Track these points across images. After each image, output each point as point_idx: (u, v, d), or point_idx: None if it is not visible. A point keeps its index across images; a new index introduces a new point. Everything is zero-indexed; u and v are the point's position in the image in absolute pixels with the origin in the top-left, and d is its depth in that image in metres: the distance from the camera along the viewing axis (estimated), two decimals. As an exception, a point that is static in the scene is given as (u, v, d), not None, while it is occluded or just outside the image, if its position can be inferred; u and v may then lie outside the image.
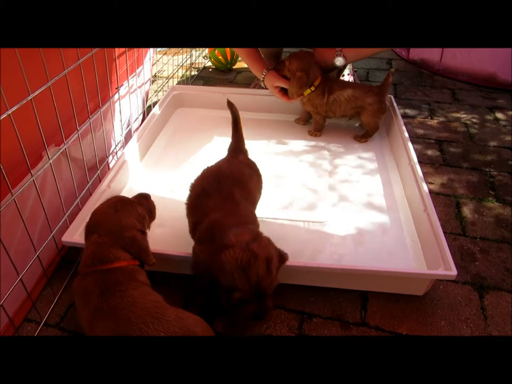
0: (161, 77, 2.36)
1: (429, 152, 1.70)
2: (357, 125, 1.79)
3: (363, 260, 1.16)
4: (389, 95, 1.76)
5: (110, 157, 1.49)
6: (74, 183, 1.16)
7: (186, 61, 2.41)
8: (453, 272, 0.98)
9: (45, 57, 0.90)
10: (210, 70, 2.51)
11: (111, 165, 1.47)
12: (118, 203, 0.98)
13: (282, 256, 0.92)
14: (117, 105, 1.48)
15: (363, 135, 1.70)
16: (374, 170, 1.54)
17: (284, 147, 1.68)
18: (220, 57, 2.40)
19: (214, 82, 2.34)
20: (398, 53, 2.66)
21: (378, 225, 1.29)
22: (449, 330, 1.02)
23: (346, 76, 2.02)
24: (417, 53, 2.49)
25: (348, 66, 1.98)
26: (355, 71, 2.20)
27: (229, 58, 2.41)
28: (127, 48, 1.48)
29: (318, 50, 1.64)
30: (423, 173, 1.33)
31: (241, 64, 2.51)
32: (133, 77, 1.64)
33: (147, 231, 1.02)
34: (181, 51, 2.46)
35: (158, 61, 2.29)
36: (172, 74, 2.26)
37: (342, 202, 1.39)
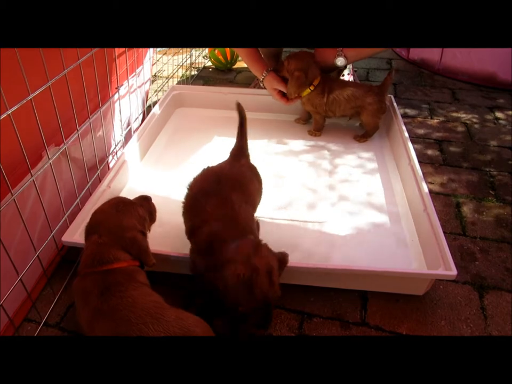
0: (161, 77, 2.36)
1: (429, 152, 1.70)
2: (357, 124, 1.79)
3: (363, 259, 1.16)
4: (389, 95, 1.76)
5: (110, 157, 1.49)
6: (74, 183, 1.16)
7: (186, 61, 2.41)
8: (453, 272, 0.98)
9: (45, 57, 0.90)
10: (210, 69, 2.51)
11: (111, 165, 1.47)
12: (119, 204, 0.97)
13: (282, 261, 0.91)
14: (116, 105, 1.48)
15: (363, 135, 1.70)
16: (374, 170, 1.54)
17: (284, 147, 1.68)
18: (219, 57, 2.40)
19: (214, 82, 2.34)
20: (398, 52, 2.66)
21: (378, 225, 1.29)
22: (449, 330, 1.02)
23: (346, 76, 2.02)
24: (417, 53, 2.49)
25: (348, 66, 1.98)
26: (355, 70, 2.20)
27: (229, 58, 2.41)
28: (127, 48, 1.48)
29: (319, 50, 1.64)
30: (423, 173, 1.33)
31: (241, 64, 2.51)
32: (132, 76, 1.63)
33: (147, 233, 1.02)
34: (180, 51, 2.46)
35: (158, 60, 2.29)
36: (171, 74, 2.26)
37: (342, 202, 1.39)
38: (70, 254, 1.20)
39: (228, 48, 2.38)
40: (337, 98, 1.61)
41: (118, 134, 1.58)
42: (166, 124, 1.83)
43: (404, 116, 1.94)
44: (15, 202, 0.88)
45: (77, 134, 1.14)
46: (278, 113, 1.87)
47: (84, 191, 1.23)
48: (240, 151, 1.20)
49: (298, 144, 1.70)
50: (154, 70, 2.26)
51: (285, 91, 1.63)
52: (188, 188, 1.11)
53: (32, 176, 0.94)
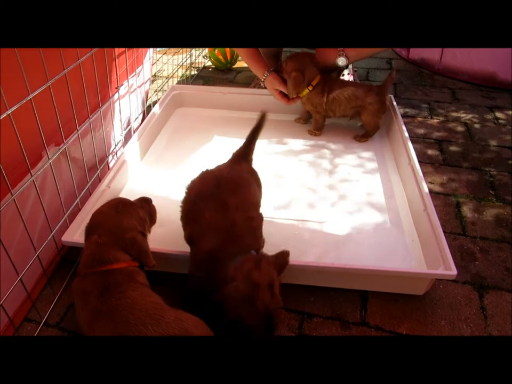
0: (161, 77, 2.36)
1: (429, 151, 1.70)
2: (359, 125, 1.79)
3: (363, 259, 1.16)
4: (389, 95, 1.76)
5: (110, 157, 1.49)
6: (74, 183, 1.16)
7: (186, 61, 2.41)
8: (453, 271, 0.98)
9: (45, 57, 0.90)
10: (210, 69, 2.51)
11: (111, 165, 1.47)
12: (119, 204, 0.98)
13: (282, 263, 0.91)
14: (116, 105, 1.48)
15: (363, 135, 1.71)
16: (374, 169, 1.54)
17: (284, 147, 1.68)
18: (219, 56, 2.40)
19: (214, 82, 2.34)
20: (398, 52, 2.66)
21: (378, 225, 1.29)
22: (449, 330, 1.03)
23: (346, 76, 2.02)
24: (417, 53, 2.49)
25: (348, 66, 1.98)
26: (355, 70, 2.20)
27: (228, 58, 2.41)
28: (126, 48, 1.48)
29: (320, 50, 1.65)
30: (423, 173, 1.33)
31: (241, 64, 2.51)
32: (132, 76, 1.63)
33: (148, 234, 1.02)
34: (180, 51, 2.46)
35: (157, 60, 2.29)
36: (171, 74, 2.26)
37: (342, 201, 1.39)
38: (70, 254, 1.20)
39: (228, 48, 2.38)
40: (337, 98, 1.61)
41: (118, 134, 1.58)
42: (166, 124, 1.83)
43: (404, 115, 1.94)
44: (15, 202, 0.88)
45: (76, 134, 1.14)
46: (278, 113, 1.86)
47: (84, 191, 1.23)
48: (243, 154, 1.19)
49: (298, 144, 1.70)
50: (154, 70, 2.26)
51: (285, 91, 1.64)
52: (186, 192, 1.09)
53: (32, 176, 0.94)
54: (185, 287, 0.99)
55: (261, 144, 1.67)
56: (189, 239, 1.02)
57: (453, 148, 1.73)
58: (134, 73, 1.66)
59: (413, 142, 1.49)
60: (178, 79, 2.34)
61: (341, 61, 1.60)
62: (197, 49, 2.60)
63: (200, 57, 2.64)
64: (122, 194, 1.39)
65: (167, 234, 1.20)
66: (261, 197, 1.16)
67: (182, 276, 1.07)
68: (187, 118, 1.89)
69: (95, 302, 0.81)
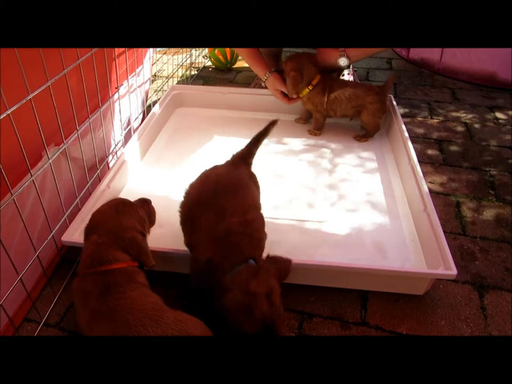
0: (161, 77, 2.36)
1: (429, 151, 1.70)
2: (360, 127, 1.79)
3: (363, 259, 1.16)
4: (389, 95, 1.76)
5: (110, 157, 1.49)
6: (74, 182, 1.16)
7: (186, 61, 2.41)
8: (453, 271, 0.98)
9: (45, 57, 0.90)
10: (210, 69, 2.51)
11: (110, 165, 1.47)
12: (119, 205, 0.98)
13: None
14: (116, 104, 1.48)
15: (363, 135, 1.71)
16: (374, 169, 1.54)
17: (284, 146, 1.68)
18: (219, 56, 2.40)
19: (214, 82, 2.34)
20: (398, 52, 2.66)
21: (378, 225, 1.29)
22: (449, 330, 1.03)
23: (346, 76, 2.02)
24: (417, 52, 2.49)
25: (349, 66, 1.99)
26: (355, 70, 2.20)
27: (228, 58, 2.41)
28: (126, 48, 1.48)
29: (321, 50, 1.66)
30: (423, 172, 1.33)
31: (241, 64, 2.51)
32: (132, 76, 1.63)
33: (147, 235, 1.02)
34: (180, 50, 2.46)
35: (157, 60, 2.29)
36: (171, 74, 2.26)
37: (342, 201, 1.39)
38: (69, 254, 1.20)
39: (228, 48, 2.38)
40: (338, 97, 1.62)
41: (117, 134, 1.58)
42: (166, 124, 1.82)
43: (404, 115, 1.94)
44: (14, 202, 0.88)
45: (76, 134, 1.14)
46: (278, 113, 1.86)
47: (84, 191, 1.23)
48: (244, 156, 1.17)
49: (298, 143, 1.70)
50: (154, 70, 2.26)
51: (286, 92, 1.66)
52: (184, 196, 1.08)
53: (32, 176, 0.94)
54: (186, 287, 0.99)
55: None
56: (188, 246, 1.02)
57: (453, 148, 1.73)
58: (134, 73, 1.66)
59: (413, 142, 1.49)
60: (178, 79, 2.34)
61: (343, 61, 1.61)
62: (197, 49, 2.60)
63: (200, 57, 2.64)
64: (122, 194, 1.39)
65: (167, 235, 1.20)
66: (259, 199, 1.15)
67: (181, 275, 1.07)
68: (187, 118, 1.89)
69: (94, 302, 0.80)
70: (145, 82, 1.87)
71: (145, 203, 1.07)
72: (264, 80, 1.70)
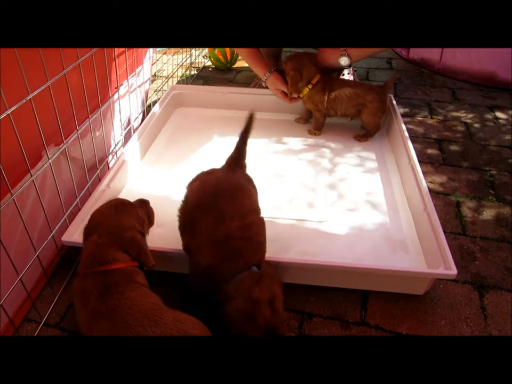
0: (161, 77, 2.36)
1: (429, 151, 1.70)
2: (360, 127, 1.79)
3: (362, 259, 1.16)
4: (389, 95, 1.76)
5: (110, 157, 1.49)
6: (74, 182, 1.16)
7: (186, 60, 2.41)
8: (453, 271, 0.98)
9: (44, 57, 0.90)
10: (210, 69, 2.51)
11: (110, 165, 1.47)
12: (118, 205, 0.98)
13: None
14: (116, 104, 1.48)
15: (364, 135, 1.71)
16: (374, 169, 1.54)
17: (284, 146, 1.68)
18: (219, 56, 2.40)
19: (214, 82, 2.34)
20: (398, 52, 2.66)
21: (378, 224, 1.29)
22: (449, 330, 1.03)
23: (346, 75, 2.02)
24: (417, 52, 2.49)
25: (351, 65, 1.99)
26: (355, 70, 2.20)
27: (228, 58, 2.41)
28: (126, 48, 1.48)
29: (322, 50, 1.66)
30: (423, 172, 1.33)
31: (241, 63, 2.51)
32: (132, 76, 1.63)
33: (146, 235, 1.02)
34: (180, 50, 2.46)
35: (157, 60, 2.29)
36: (171, 74, 2.25)
37: (342, 201, 1.39)
38: (69, 254, 1.20)
39: (228, 48, 2.38)
40: (339, 96, 1.62)
41: (117, 134, 1.58)
42: (166, 124, 1.82)
43: (404, 115, 1.94)
44: (14, 202, 0.88)
45: (76, 134, 1.14)
46: (278, 112, 1.87)
47: (84, 191, 1.23)
48: (238, 161, 1.14)
49: (298, 143, 1.70)
50: (154, 70, 2.26)
51: (286, 91, 1.66)
52: (183, 201, 1.07)
53: (31, 176, 0.94)
54: (185, 287, 0.99)
55: (260, 144, 1.68)
56: (187, 248, 1.01)
57: (453, 148, 1.73)
58: (133, 73, 1.66)
59: (413, 142, 1.49)
60: (178, 78, 2.34)
61: (344, 61, 1.62)
62: (196, 49, 2.60)
63: (200, 57, 2.64)
64: (122, 194, 1.39)
65: (167, 234, 1.20)
66: (258, 202, 1.13)
67: (181, 275, 1.07)
68: (187, 118, 1.89)
69: (94, 302, 0.80)
70: (145, 82, 1.87)
71: (143, 204, 1.07)
72: (264, 80, 1.70)
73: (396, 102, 1.75)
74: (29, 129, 0.90)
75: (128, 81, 1.59)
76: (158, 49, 2.32)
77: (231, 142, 1.21)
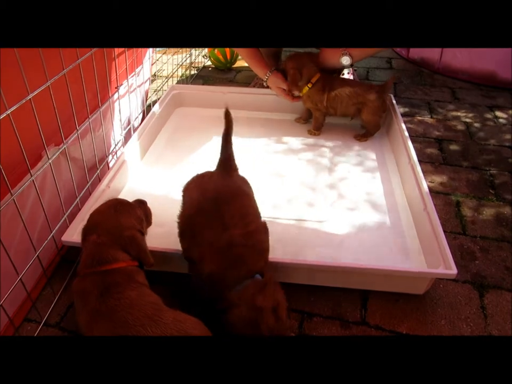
0: (160, 76, 2.36)
1: (429, 151, 1.70)
2: (360, 127, 1.79)
3: (362, 258, 1.16)
4: (389, 94, 1.76)
5: (110, 157, 1.49)
6: (74, 182, 1.15)
7: (185, 60, 2.41)
8: (453, 271, 0.98)
9: (44, 57, 0.90)
10: (210, 69, 2.51)
11: (110, 165, 1.47)
12: (116, 204, 0.98)
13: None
14: (116, 104, 1.48)
15: (364, 134, 1.71)
16: (374, 168, 1.54)
17: (283, 146, 1.68)
18: (219, 56, 2.40)
19: (214, 82, 2.34)
20: (398, 51, 2.65)
21: (378, 224, 1.29)
22: (449, 329, 1.03)
23: (346, 75, 2.02)
24: (417, 52, 2.49)
25: (352, 65, 2.00)
26: (355, 70, 2.20)
27: (228, 58, 2.41)
28: (126, 48, 1.47)
29: (324, 50, 1.67)
30: (423, 172, 1.33)
31: (241, 63, 2.51)
32: (132, 76, 1.63)
33: (145, 235, 1.02)
34: (180, 50, 2.46)
35: (157, 60, 2.29)
36: (171, 74, 2.25)
37: (342, 200, 1.39)
38: (70, 254, 1.20)
39: (228, 48, 2.38)
40: (339, 95, 1.62)
41: (117, 134, 1.58)
42: (166, 124, 1.82)
43: (404, 114, 1.94)
44: (14, 202, 0.88)
45: (76, 134, 1.14)
46: (278, 112, 1.87)
47: (84, 191, 1.23)
48: (229, 163, 1.11)
49: (298, 143, 1.70)
50: (153, 70, 2.26)
51: (287, 89, 1.67)
52: (182, 206, 1.06)
53: (31, 176, 0.94)
54: (186, 287, 0.99)
55: (260, 143, 1.68)
56: (187, 256, 1.00)
57: (453, 147, 1.72)
58: (133, 73, 1.66)
59: (412, 141, 1.49)
60: (178, 78, 2.34)
61: (345, 60, 1.62)
62: (196, 48, 2.60)
63: (200, 56, 2.64)
64: (122, 194, 1.39)
65: (167, 234, 1.20)
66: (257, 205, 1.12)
67: (181, 275, 1.07)
68: (187, 118, 1.89)
69: (94, 302, 0.80)
70: (145, 82, 1.87)
71: (141, 204, 1.07)
72: (265, 79, 1.71)
73: (396, 102, 1.75)
74: (29, 129, 0.90)
75: (128, 81, 1.58)
76: (157, 49, 2.32)
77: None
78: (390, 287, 1.10)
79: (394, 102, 1.74)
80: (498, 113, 1.97)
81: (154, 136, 1.71)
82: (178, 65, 2.33)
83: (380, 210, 1.34)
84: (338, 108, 1.66)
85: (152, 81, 2.27)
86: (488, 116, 1.95)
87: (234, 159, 1.13)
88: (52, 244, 1.07)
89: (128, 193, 1.38)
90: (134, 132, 1.56)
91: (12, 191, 0.87)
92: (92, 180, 1.27)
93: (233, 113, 1.11)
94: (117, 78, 1.44)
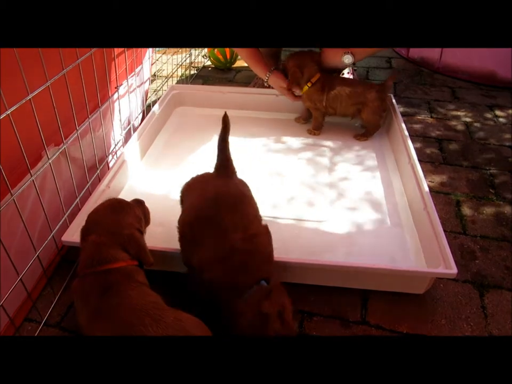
0: (160, 76, 2.35)
1: (429, 150, 1.70)
2: (357, 124, 1.79)
3: (362, 258, 1.16)
4: (389, 94, 1.76)
5: (110, 157, 1.49)
6: (74, 182, 1.15)
7: (185, 60, 2.41)
8: (453, 270, 0.98)
9: (44, 57, 0.90)
10: (209, 69, 2.50)
11: (110, 165, 1.47)
12: (115, 204, 0.98)
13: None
14: (116, 104, 1.48)
15: (363, 134, 1.71)
16: (374, 168, 1.54)
17: (283, 145, 1.68)
18: (219, 56, 2.39)
19: (214, 81, 2.34)
20: (398, 51, 2.65)
21: (378, 224, 1.29)
22: (449, 329, 1.03)
23: (346, 74, 2.02)
24: (417, 51, 2.49)
25: (355, 64, 2.00)
26: (355, 69, 2.20)
27: (228, 57, 2.41)
28: (126, 48, 1.47)
29: (325, 50, 1.67)
30: (423, 171, 1.33)
31: (240, 63, 2.51)
32: (132, 76, 1.63)
33: (144, 234, 1.02)
34: (180, 50, 2.46)
35: (157, 60, 2.29)
36: (171, 74, 2.25)
37: (341, 200, 1.39)
38: (70, 254, 1.20)
39: (228, 47, 2.38)
40: (338, 94, 1.62)
41: (117, 134, 1.58)
42: (166, 124, 1.82)
43: (404, 114, 1.94)
44: (14, 202, 0.88)
45: (76, 134, 1.14)
46: (277, 112, 1.87)
47: (84, 191, 1.23)
48: (226, 164, 1.10)
49: (298, 142, 1.70)
50: (153, 70, 2.26)
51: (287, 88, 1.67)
52: (182, 211, 1.05)
53: (31, 176, 0.94)
54: (185, 287, 0.99)
55: (260, 143, 1.68)
56: (188, 262, 0.99)
57: (453, 147, 1.73)
58: (133, 73, 1.66)
59: (412, 141, 1.49)
60: (178, 78, 2.34)
61: (347, 59, 1.61)
62: (196, 48, 2.60)
63: (200, 56, 2.64)
64: (122, 194, 1.39)
65: (166, 234, 1.20)
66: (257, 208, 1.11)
67: (181, 275, 1.07)
68: (187, 118, 1.89)
69: (94, 302, 0.80)
70: (145, 82, 1.87)
71: (139, 203, 1.07)
72: (266, 80, 1.71)
73: (396, 101, 1.75)
74: (28, 129, 0.90)
75: (127, 81, 1.58)
76: (157, 49, 2.32)
77: (231, 141, 1.20)
78: (390, 286, 1.10)
79: (394, 101, 1.74)
80: (498, 113, 1.97)
81: (154, 136, 1.71)
82: (178, 65, 2.33)
83: (379, 210, 1.34)
84: (338, 108, 1.66)
85: (152, 81, 2.27)
86: (488, 115, 1.95)
87: (232, 162, 1.11)
88: (52, 243, 1.07)
89: (128, 193, 1.38)
90: (134, 132, 1.56)
91: (11, 191, 0.86)
92: (91, 180, 1.27)
93: (233, 113, 1.11)
94: (116, 78, 1.44)
